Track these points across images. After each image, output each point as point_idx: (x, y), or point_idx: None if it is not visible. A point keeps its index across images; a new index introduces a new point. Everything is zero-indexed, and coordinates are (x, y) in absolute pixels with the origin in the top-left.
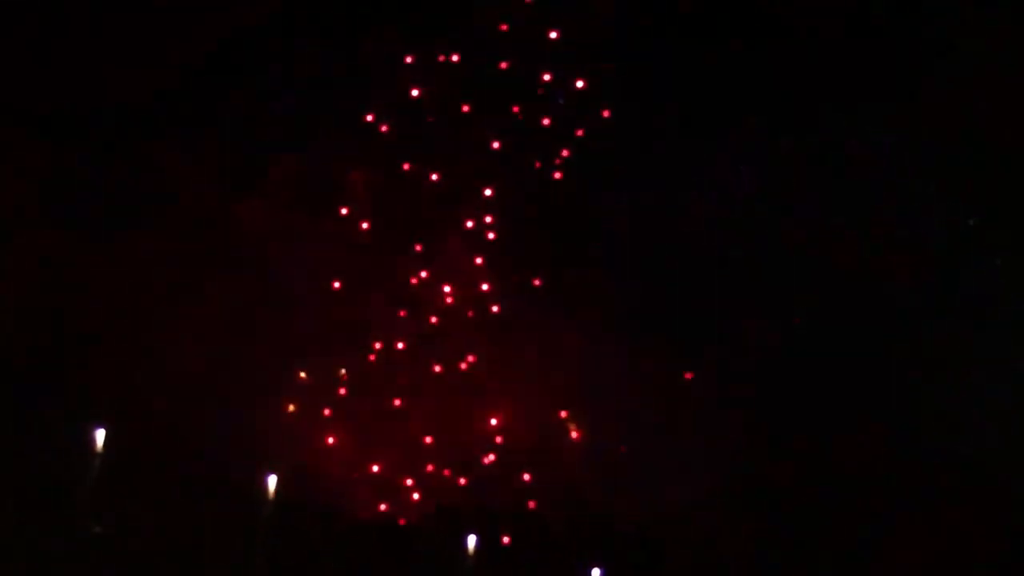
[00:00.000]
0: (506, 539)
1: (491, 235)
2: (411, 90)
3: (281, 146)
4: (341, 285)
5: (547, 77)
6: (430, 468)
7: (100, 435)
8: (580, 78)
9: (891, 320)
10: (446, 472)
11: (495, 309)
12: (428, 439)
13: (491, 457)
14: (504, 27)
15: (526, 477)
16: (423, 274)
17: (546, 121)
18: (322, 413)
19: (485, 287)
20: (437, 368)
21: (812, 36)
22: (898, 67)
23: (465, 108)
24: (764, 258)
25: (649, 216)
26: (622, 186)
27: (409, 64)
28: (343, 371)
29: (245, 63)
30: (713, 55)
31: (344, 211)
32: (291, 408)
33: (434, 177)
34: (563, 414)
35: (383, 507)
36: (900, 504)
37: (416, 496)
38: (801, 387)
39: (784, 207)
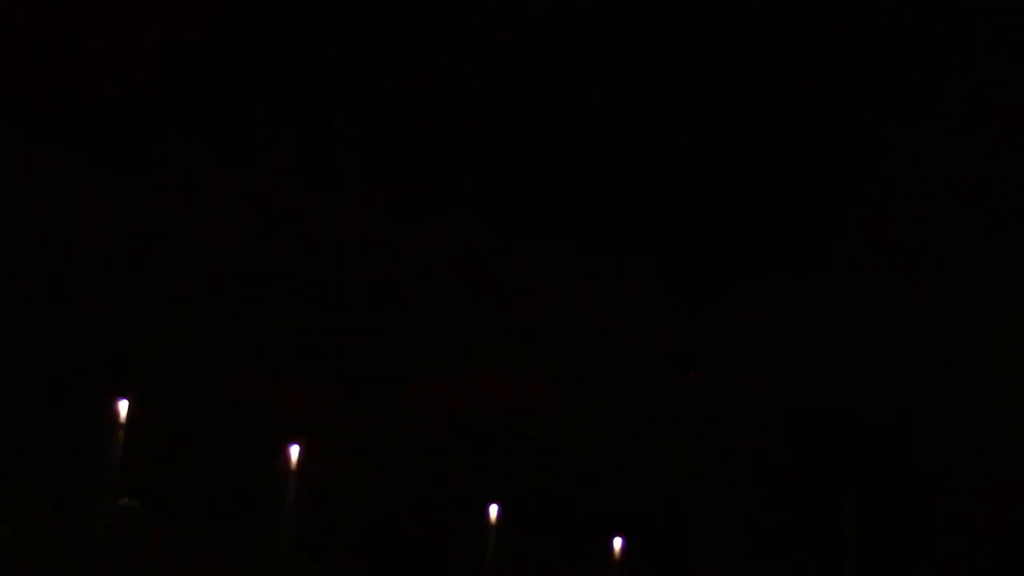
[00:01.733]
0: (529, 509)
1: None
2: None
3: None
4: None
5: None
6: (450, 439)
7: (124, 407)
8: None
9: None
10: (467, 444)
11: (504, 294)
12: (447, 413)
13: (511, 429)
14: (504, 34)
15: (545, 449)
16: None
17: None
18: (343, 387)
19: (490, 275)
20: (451, 345)
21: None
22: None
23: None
24: (769, 255)
25: (652, 210)
26: (625, 182)
27: (406, 64)
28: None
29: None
30: (715, 54)
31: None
32: (314, 381)
33: (433, 175)
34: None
35: (405, 481)
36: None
37: (437, 468)
38: (812, 381)
39: (789, 204)
